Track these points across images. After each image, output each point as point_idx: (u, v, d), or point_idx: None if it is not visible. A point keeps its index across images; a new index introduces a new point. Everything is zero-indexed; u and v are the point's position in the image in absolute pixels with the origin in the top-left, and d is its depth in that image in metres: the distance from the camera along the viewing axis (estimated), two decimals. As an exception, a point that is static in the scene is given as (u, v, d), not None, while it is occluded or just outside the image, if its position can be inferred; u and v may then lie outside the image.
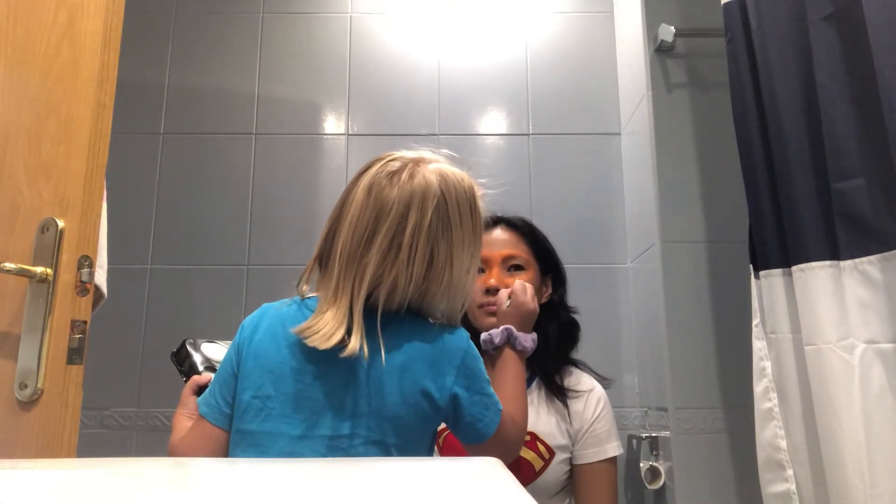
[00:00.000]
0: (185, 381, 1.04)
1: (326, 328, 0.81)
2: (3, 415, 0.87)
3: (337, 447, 0.81)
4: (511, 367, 1.02)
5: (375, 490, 0.53)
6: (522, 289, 1.13)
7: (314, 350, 0.81)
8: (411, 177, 0.86)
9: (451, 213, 0.87)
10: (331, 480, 0.58)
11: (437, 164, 0.90)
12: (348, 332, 0.82)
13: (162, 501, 0.47)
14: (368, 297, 0.85)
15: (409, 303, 0.87)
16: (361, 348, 0.81)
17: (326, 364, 0.83)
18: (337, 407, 0.82)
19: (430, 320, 0.89)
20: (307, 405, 0.82)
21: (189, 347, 1.07)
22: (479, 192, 0.92)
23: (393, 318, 0.86)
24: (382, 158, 0.91)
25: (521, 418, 0.94)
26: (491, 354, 1.08)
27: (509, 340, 1.06)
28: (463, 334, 0.89)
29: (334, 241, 0.87)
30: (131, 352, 1.75)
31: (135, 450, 1.69)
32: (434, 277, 0.86)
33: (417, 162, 0.89)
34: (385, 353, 0.82)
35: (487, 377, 0.89)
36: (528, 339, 1.08)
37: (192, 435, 0.89)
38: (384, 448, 0.81)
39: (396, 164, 0.88)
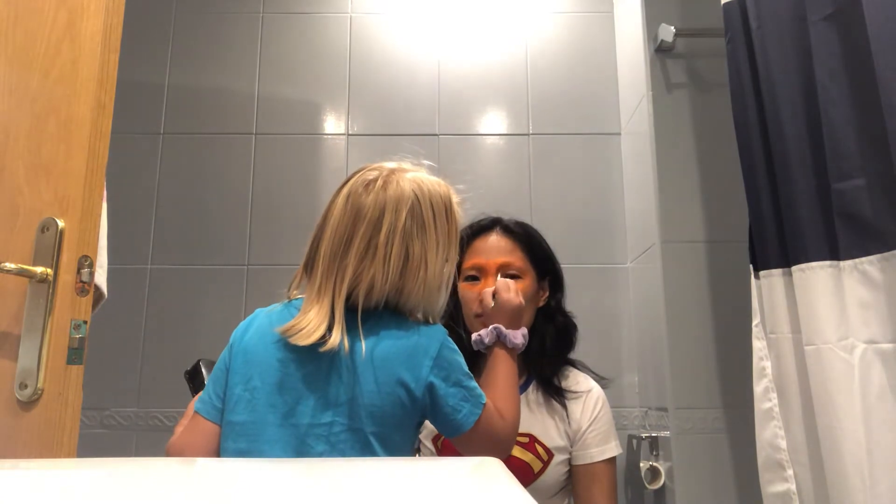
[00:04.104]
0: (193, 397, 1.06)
1: (309, 326, 0.87)
2: (3, 415, 0.87)
3: (318, 434, 0.85)
4: (502, 365, 1.03)
5: (376, 490, 0.53)
6: (506, 286, 1.14)
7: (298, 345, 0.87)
8: (386, 184, 0.93)
9: (426, 214, 0.92)
10: (331, 480, 0.58)
11: (413, 173, 0.96)
12: (329, 329, 0.87)
13: (162, 502, 0.47)
14: (349, 296, 0.90)
15: (386, 300, 0.92)
16: (341, 343, 0.86)
17: (309, 357, 0.88)
18: (317, 396, 0.87)
19: (410, 318, 0.93)
20: (290, 394, 0.87)
21: (202, 366, 1.12)
22: (455, 198, 0.98)
23: (372, 314, 0.91)
24: (362, 170, 0.97)
25: (512, 415, 0.95)
26: (483, 354, 1.09)
27: (499, 339, 1.08)
28: (440, 328, 0.93)
29: (318, 247, 0.94)
30: (131, 352, 1.75)
31: (135, 450, 1.69)
32: (410, 275, 0.91)
33: (394, 171, 0.95)
34: (364, 345, 0.87)
35: (468, 371, 0.92)
36: (518, 336, 1.09)
37: (187, 430, 0.93)
38: (362, 435, 0.85)
39: (373, 174, 0.95)
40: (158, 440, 1.66)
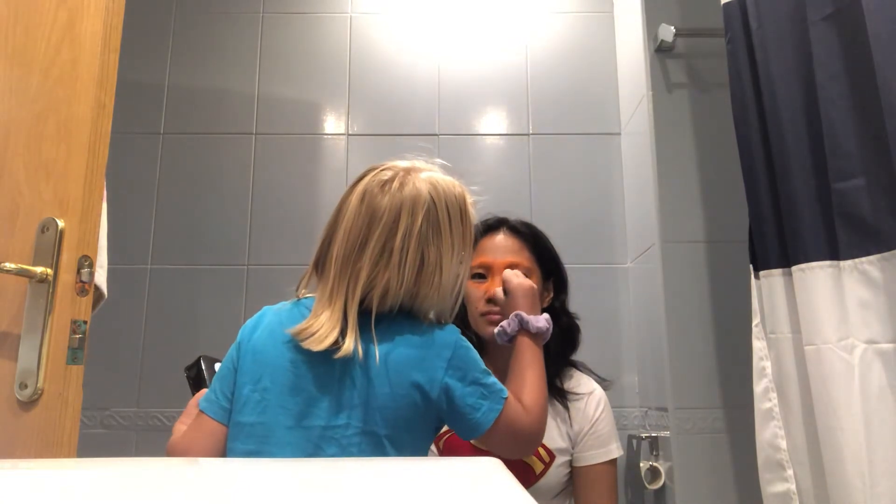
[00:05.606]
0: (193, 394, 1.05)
1: (321, 331, 0.85)
2: (3, 415, 0.87)
3: (331, 437, 0.84)
4: (527, 355, 0.99)
5: (376, 490, 0.53)
6: (513, 273, 1.11)
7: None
8: (402, 185, 0.90)
9: (441, 218, 0.90)
10: (330, 480, 0.58)
11: (428, 173, 0.93)
12: (342, 334, 0.85)
13: (162, 502, 0.47)
14: (362, 300, 0.88)
15: (400, 304, 0.90)
16: (355, 349, 0.84)
17: (321, 359, 0.86)
18: (331, 399, 0.85)
19: (423, 321, 0.91)
20: (302, 397, 0.86)
21: (202, 363, 1.11)
22: (470, 199, 0.96)
23: (385, 317, 0.89)
24: (375, 168, 0.94)
25: (537, 408, 0.91)
26: (489, 351, 1.07)
27: (522, 326, 1.02)
28: (453, 329, 0.91)
29: (330, 247, 0.91)
30: (131, 352, 1.75)
31: (135, 450, 1.69)
32: (424, 280, 0.89)
33: (409, 171, 0.93)
34: (377, 350, 0.86)
35: (485, 368, 0.89)
36: (541, 320, 1.02)
37: (191, 430, 0.91)
38: (376, 438, 0.84)
39: (388, 174, 0.92)
40: (158, 440, 1.66)
